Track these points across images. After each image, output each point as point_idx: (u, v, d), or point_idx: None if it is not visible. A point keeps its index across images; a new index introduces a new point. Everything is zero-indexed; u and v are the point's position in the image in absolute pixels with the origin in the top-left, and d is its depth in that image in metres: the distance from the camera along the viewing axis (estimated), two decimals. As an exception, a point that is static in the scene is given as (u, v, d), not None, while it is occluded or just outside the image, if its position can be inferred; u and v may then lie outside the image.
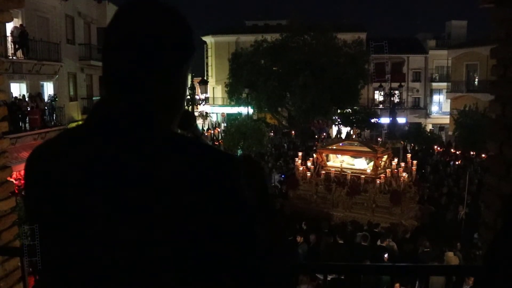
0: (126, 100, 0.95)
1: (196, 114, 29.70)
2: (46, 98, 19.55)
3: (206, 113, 36.60)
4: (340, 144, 15.13)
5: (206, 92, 34.58)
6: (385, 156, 13.52)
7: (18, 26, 17.34)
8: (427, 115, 38.16)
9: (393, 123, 28.22)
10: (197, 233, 0.88)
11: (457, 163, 20.38)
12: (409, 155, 14.61)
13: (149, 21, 0.95)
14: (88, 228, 0.90)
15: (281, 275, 1.02)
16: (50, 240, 0.97)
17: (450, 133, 30.73)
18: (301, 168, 13.77)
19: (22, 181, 13.68)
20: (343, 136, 26.75)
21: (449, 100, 34.68)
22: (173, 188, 0.88)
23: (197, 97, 30.59)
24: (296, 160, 14.57)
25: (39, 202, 0.98)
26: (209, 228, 0.89)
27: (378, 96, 36.11)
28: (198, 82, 23.19)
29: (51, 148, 1.00)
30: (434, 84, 38.00)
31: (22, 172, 14.36)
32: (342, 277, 6.06)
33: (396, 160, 13.98)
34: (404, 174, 12.65)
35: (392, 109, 27.65)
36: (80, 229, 0.91)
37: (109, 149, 0.91)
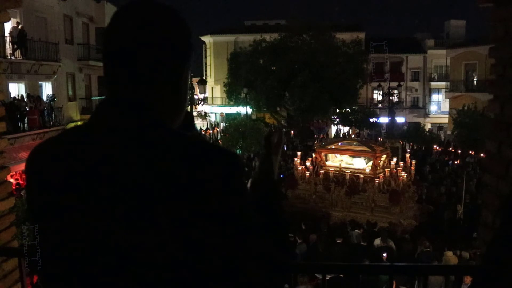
0: (128, 101, 0.96)
1: (195, 114, 29.70)
2: (44, 98, 19.53)
3: (205, 113, 36.57)
4: (339, 143, 15.14)
5: (204, 92, 34.56)
6: (384, 156, 13.52)
7: (16, 25, 17.32)
8: (426, 114, 38.19)
9: (392, 122, 28.22)
10: (200, 230, 0.88)
11: (456, 162, 20.39)
12: (408, 155, 14.60)
13: (148, 22, 0.95)
14: (89, 228, 0.90)
15: (277, 274, 1.02)
16: (51, 240, 0.97)
17: (449, 132, 30.75)
18: (300, 168, 13.77)
19: (21, 181, 13.68)
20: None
21: (447, 100, 34.72)
22: (177, 186, 0.88)
23: (195, 97, 30.51)
24: (295, 159, 14.57)
25: (41, 202, 0.98)
26: (211, 226, 0.89)
27: (377, 96, 36.06)
28: (196, 82, 23.13)
29: (52, 147, 1.00)
30: (433, 84, 38.02)
31: (21, 172, 14.35)
32: (341, 277, 6.06)
33: (395, 159, 13.98)
34: (403, 174, 12.65)
35: (391, 109, 27.63)
36: (81, 229, 0.91)
37: (112, 149, 0.92)
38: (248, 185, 1.19)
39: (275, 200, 1.19)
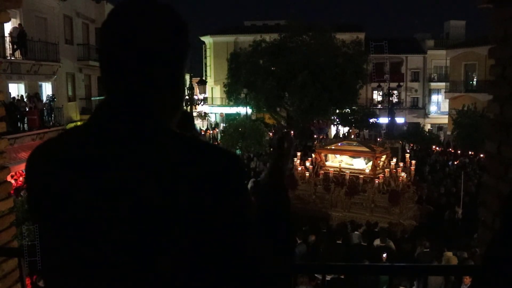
0: (125, 101, 0.96)
1: (194, 114, 29.70)
2: (44, 99, 19.53)
3: (205, 113, 36.58)
4: (339, 144, 15.12)
5: (204, 92, 34.58)
6: (384, 156, 13.51)
7: (17, 26, 17.32)
8: (426, 115, 38.21)
9: (392, 123, 28.25)
10: (199, 231, 0.88)
11: (455, 163, 20.40)
12: (407, 155, 14.59)
13: (144, 20, 0.95)
14: (89, 228, 0.90)
15: (278, 276, 1.02)
16: (51, 240, 0.97)
17: (448, 133, 30.79)
18: (299, 168, 13.76)
19: (21, 182, 13.66)
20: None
21: (447, 100, 34.73)
22: (175, 187, 0.87)
23: (195, 97, 30.54)
24: (295, 160, 14.55)
25: (40, 202, 0.98)
26: (210, 227, 0.89)
27: (377, 96, 36.11)
28: (196, 82, 23.17)
29: (52, 148, 1.00)
30: (433, 84, 38.04)
31: (21, 172, 14.32)
32: (341, 277, 6.07)
33: (394, 160, 13.97)
34: (403, 174, 12.64)
35: (391, 109, 27.66)
36: (81, 229, 0.91)
37: (111, 149, 0.91)
38: (249, 185, 1.19)
39: (284, 211, 1.18)
